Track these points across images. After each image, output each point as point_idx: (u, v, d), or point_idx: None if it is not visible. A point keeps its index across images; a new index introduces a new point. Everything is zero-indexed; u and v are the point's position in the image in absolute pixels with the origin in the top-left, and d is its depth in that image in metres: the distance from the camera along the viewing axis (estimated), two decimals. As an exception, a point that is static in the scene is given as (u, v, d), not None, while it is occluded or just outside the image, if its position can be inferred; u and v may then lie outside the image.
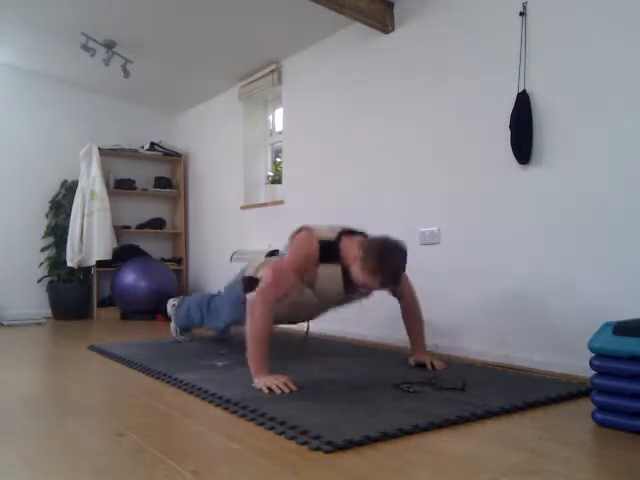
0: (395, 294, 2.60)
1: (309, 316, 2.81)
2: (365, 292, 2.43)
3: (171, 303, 3.42)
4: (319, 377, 2.34)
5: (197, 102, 5.50)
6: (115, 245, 5.01)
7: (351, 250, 2.27)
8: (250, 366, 2.17)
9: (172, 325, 3.41)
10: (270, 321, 2.20)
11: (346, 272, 2.32)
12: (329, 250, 2.31)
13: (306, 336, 3.10)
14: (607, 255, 2.32)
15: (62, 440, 1.59)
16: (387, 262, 2.16)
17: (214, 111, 5.29)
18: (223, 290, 3.09)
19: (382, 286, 2.21)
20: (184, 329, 3.36)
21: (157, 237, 5.74)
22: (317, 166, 3.98)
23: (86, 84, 5.23)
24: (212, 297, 3.12)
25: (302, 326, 3.05)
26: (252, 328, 2.17)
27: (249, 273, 2.78)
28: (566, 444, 1.53)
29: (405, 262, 2.24)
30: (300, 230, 2.43)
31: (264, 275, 2.37)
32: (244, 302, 2.52)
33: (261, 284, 2.28)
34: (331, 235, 2.35)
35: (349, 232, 2.40)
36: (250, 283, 2.65)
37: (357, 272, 2.22)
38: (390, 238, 2.25)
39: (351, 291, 2.39)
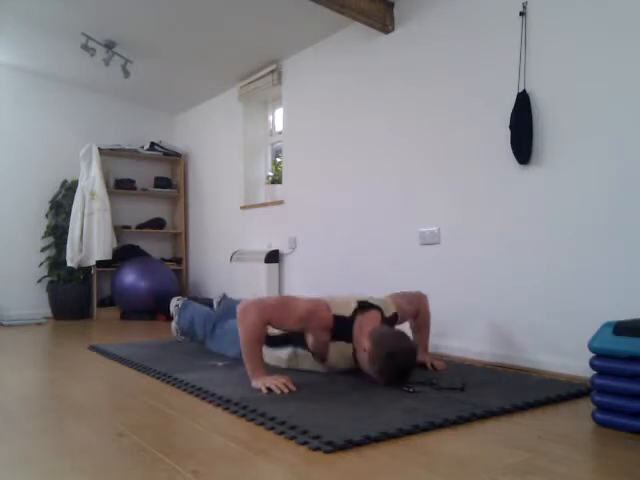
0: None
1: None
2: None
3: (174, 303, 3.41)
4: (319, 377, 2.34)
5: (197, 102, 5.50)
6: (115, 245, 5.01)
7: (362, 336, 2.22)
8: (247, 369, 2.17)
9: (173, 325, 3.40)
10: (263, 328, 2.18)
11: (357, 352, 2.29)
12: (343, 327, 2.28)
13: None
14: (607, 255, 2.32)
15: (62, 440, 1.59)
16: (393, 368, 2.12)
17: (214, 111, 5.29)
18: (221, 312, 3.03)
19: (385, 385, 2.17)
20: (184, 333, 3.35)
21: (157, 237, 5.74)
22: (317, 166, 3.98)
23: (86, 84, 5.23)
24: (217, 321, 3.02)
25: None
26: (244, 333, 2.16)
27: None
28: (566, 444, 1.53)
29: (412, 366, 2.17)
30: (319, 301, 2.35)
31: (269, 296, 2.35)
32: None
33: (262, 300, 2.24)
34: (346, 311, 2.30)
35: (364, 307, 2.34)
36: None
37: (365, 364, 2.21)
38: (398, 339, 2.16)
39: (360, 368, 2.34)
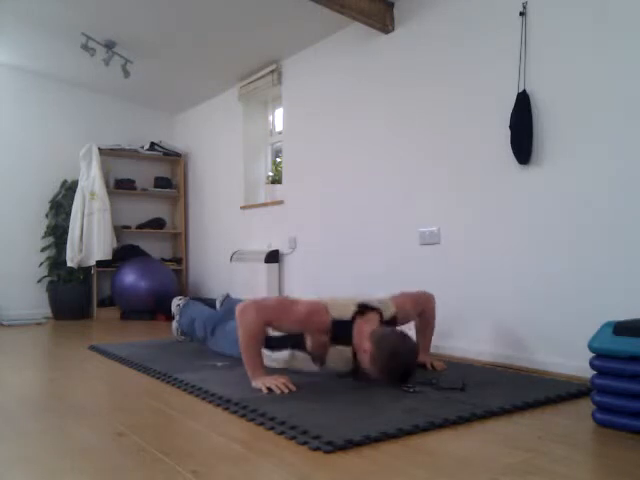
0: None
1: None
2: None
3: (176, 302, 3.42)
4: (319, 377, 2.34)
5: (197, 102, 5.50)
6: (115, 245, 5.01)
7: (362, 338, 2.21)
8: (247, 369, 2.17)
9: (174, 324, 3.40)
10: (262, 328, 2.18)
11: (356, 354, 2.28)
12: (342, 331, 2.26)
13: None
14: (607, 255, 2.32)
15: (62, 440, 1.59)
16: (396, 366, 2.11)
17: (214, 111, 5.29)
18: (223, 313, 3.03)
19: (387, 384, 2.17)
20: (185, 333, 3.35)
21: (157, 237, 5.74)
22: (317, 166, 3.98)
23: (86, 84, 5.23)
24: (218, 321, 3.02)
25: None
26: (244, 333, 2.16)
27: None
28: (566, 444, 1.53)
29: (414, 364, 2.17)
30: (318, 303, 2.34)
31: (269, 297, 2.34)
32: None
33: (261, 300, 2.24)
34: (345, 314, 2.29)
35: (363, 309, 2.32)
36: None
37: (366, 364, 2.19)
38: (399, 338, 2.16)
39: (360, 369, 2.33)
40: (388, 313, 2.38)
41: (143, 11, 3.76)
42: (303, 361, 2.41)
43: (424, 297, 2.59)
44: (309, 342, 2.31)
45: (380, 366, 2.12)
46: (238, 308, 2.20)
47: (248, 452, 1.47)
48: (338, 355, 2.32)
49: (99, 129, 5.41)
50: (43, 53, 4.62)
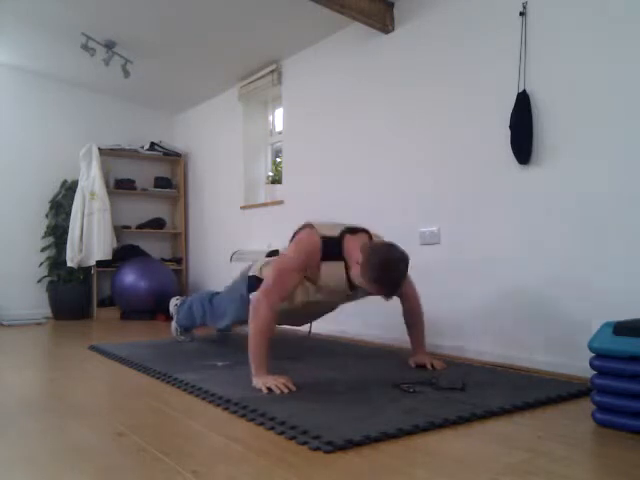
0: (397, 294, 2.59)
1: (314, 316, 2.80)
2: (368, 292, 2.41)
3: (173, 302, 3.43)
4: (319, 377, 2.34)
5: (197, 102, 5.50)
6: (115, 245, 5.01)
7: (353, 251, 2.24)
8: (251, 364, 2.17)
9: (173, 324, 3.41)
10: (274, 322, 2.20)
11: (349, 269, 2.30)
12: (332, 247, 2.29)
13: (309, 334, 3.10)
14: (607, 255, 2.32)
15: (62, 440, 1.59)
16: (388, 273, 2.11)
17: (214, 111, 5.29)
18: (225, 289, 3.09)
19: (381, 294, 2.18)
20: (185, 329, 3.37)
21: (157, 237, 5.74)
22: (317, 166, 3.98)
23: (86, 84, 5.23)
24: (215, 294, 3.12)
25: (304, 325, 3.04)
26: (255, 328, 2.16)
27: (253, 272, 2.77)
28: (566, 444, 1.53)
29: (406, 272, 2.19)
30: (303, 227, 2.42)
31: (267, 274, 2.36)
32: (248, 301, 2.51)
33: (264, 284, 2.27)
34: (334, 232, 2.33)
35: (352, 230, 2.37)
36: (254, 282, 2.64)
37: (357, 277, 2.20)
38: (392, 247, 2.19)
39: (355, 288, 2.37)
40: (377, 238, 2.40)
41: (143, 11, 3.76)
42: (300, 290, 2.41)
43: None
44: (307, 271, 2.34)
45: (373, 276, 2.12)
46: (252, 302, 2.22)
47: (248, 452, 1.47)
48: (331, 273, 2.32)
49: (99, 129, 5.41)
50: (43, 53, 4.62)
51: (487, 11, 2.83)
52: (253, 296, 2.26)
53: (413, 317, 2.59)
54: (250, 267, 2.86)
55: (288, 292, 2.27)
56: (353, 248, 2.26)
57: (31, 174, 5.07)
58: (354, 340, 3.50)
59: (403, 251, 2.20)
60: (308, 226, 2.39)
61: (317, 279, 2.35)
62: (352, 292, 2.40)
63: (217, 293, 3.14)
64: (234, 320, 2.88)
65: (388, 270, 2.11)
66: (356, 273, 2.21)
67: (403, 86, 3.30)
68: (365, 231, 2.40)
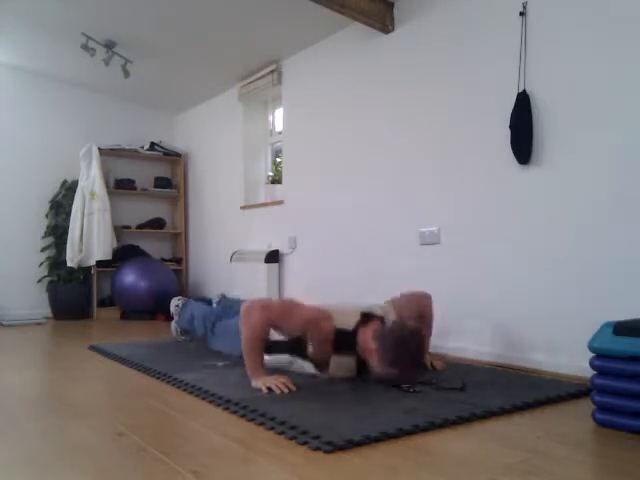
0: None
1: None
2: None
3: (174, 303, 3.42)
4: (319, 377, 2.33)
5: (197, 102, 5.50)
6: (115, 245, 5.01)
7: (366, 343, 2.21)
8: (247, 369, 2.17)
9: (173, 325, 3.41)
10: (266, 328, 2.19)
11: (359, 361, 2.29)
12: (345, 340, 2.26)
13: None
14: (607, 255, 2.32)
15: (62, 440, 1.59)
16: (404, 355, 2.10)
17: (214, 111, 5.29)
18: (220, 310, 3.04)
19: (403, 375, 2.15)
20: (185, 331, 3.36)
21: (157, 237, 5.74)
22: (317, 166, 3.98)
23: (86, 84, 5.23)
24: (218, 318, 3.04)
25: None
26: (247, 331, 2.16)
27: None
28: (566, 444, 1.53)
29: (423, 349, 2.17)
30: (322, 314, 2.33)
31: (273, 299, 2.34)
32: None
33: (266, 301, 2.25)
34: (348, 324, 2.28)
35: (366, 318, 2.32)
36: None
37: (376, 365, 2.18)
38: (403, 327, 2.17)
39: (364, 373, 2.33)
40: (389, 319, 2.37)
41: (143, 11, 3.76)
42: (304, 367, 2.40)
43: (423, 299, 2.59)
44: (311, 349, 2.30)
45: (391, 358, 2.10)
46: (244, 307, 2.21)
47: (248, 452, 1.47)
48: (341, 365, 2.31)
49: (99, 129, 5.41)
50: (43, 53, 4.62)
51: (487, 11, 2.83)
52: (245, 304, 2.24)
53: (424, 325, 2.59)
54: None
55: (279, 323, 2.23)
56: (367, 339, 2.22)
57: (31, 174, 5.07)
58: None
59: (414, 326, 2.18)
60: (327, 314, 2.30)
61: (326, 369, 2.33)
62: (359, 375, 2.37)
63: (219, 317, 3.05)
64: (237, 352, 2.81)
65: (403, 351, 2.09)
66: (374, 363, 2.18)
67: (403, 86, 3.30)
68: (378, 318, 2.34)
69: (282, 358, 2.46)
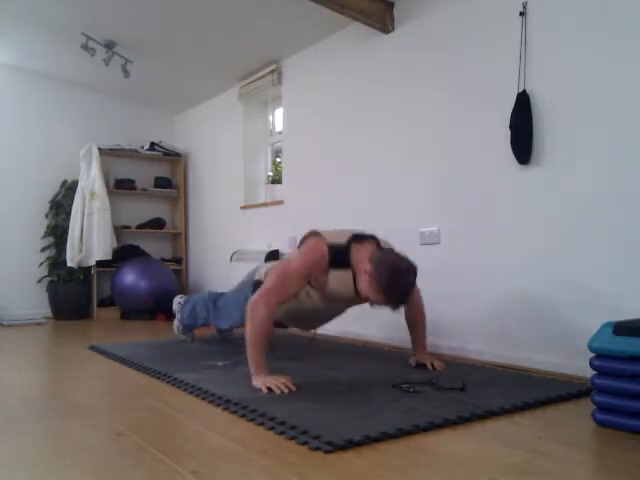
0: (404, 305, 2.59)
1: (322, 320, 2.78)
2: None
3: (177, 300, 3.43)
4: (319, 377, 2.34)
5: (197, 102, 5.50)
6: (115, 245, 5.01)
7: (361, 259, 2.23)
8: (250, 365, 2.17)
9: (175, 323, 3.41)
10: (271, 323, 2.20)
11: (357, 278, 2.29)
12: (339, 255, 2.28)
13: (314, 337, 3.10)
14: (607, 255, 2.32)
15: (62, 440, 1.59)
16: (396, 285, 2.10)
17: (214, 111, 5.29)
18: (230, 291, 3.08)
19: (389, 305, 2.16)
20: (187, 328, 3.36)
21: (157, 237, 5.74)
22: (317, 166, 3.98)
23: (86, 84, 5.23)
24: (219, 295, 3.12)
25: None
26: (252, 329, 2.16)
27: (259, 277, 2.74)
28: (566, 444, 1.53)
29: (414, 282, 2.17)
30: (309, 235, 2.40)
31: (269, 277, 2.35)
32: None
33: (264, 285, 2.26)
34: (341, 240, 2.31)
35: (359, 237, 2.35)
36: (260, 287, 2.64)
37: (364, 287, 2.19)
38: (400, 257, 2.18)
39: (361, 296, 2.35)
40: (386, 245, 2.39)
41: (143, 11, 3.76)
42: (306, 294, 2.41)
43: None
44: (312, 279, 2.33)
45: (381, 287, 2.11)
46: (249, 303, 2.20)
47: (248, 452, 1.47)
48: (338, 280, 2.31)
49: (99, 129, 5.41)
50: (43, 53, 4.62)
51: (487, 11, 2.83)
52: (251, 297, 2.25)
53: (416, 318, 2.61)
54: (256, 270, 2.85)
55: (287, 296, 2.26)
56: (360, 257, 2.24)
57: (31, 174, 5.07)
58: (355, 340, 3.50)
59: (411, 261, 2.18)
60: (315, 234, 2.36)
61: (324, 287, 2.35)
62: (360, 299, 2.38)
63: (221, 294, 3.13)
64: (238, 322, 2.87)
65: (396, 281, 2.10)
66: (364, 284, 2.19)
67: (403, 86, 3.30)
68: (373, 238, 2.38)
69: None
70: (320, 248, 2.28)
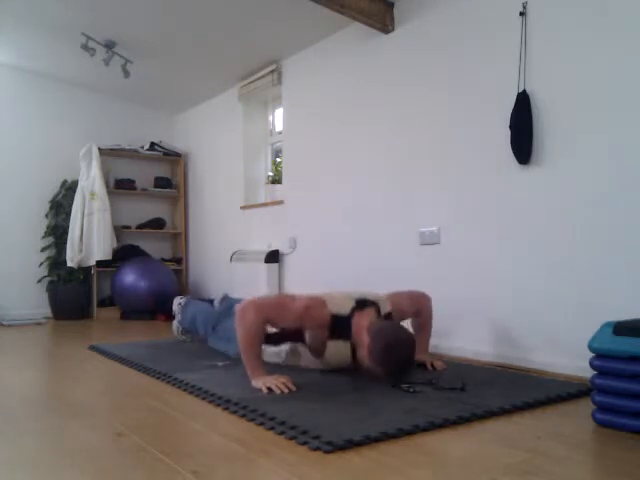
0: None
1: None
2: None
3: (177, 301, 3.43)
4: (319, 377, 2.34)
5: (197, 102, 5.50)
6: (115, 245, 5.01)
7: (361, 331, 2.23)
8: (246, 369, 2.17)
9: (175, 323, 3.41)
10: (262, 325, 2.19)
11: (356, 349, 2.30)
12: (341, 326, 2.28)
13: None
14: (607, 255, 2.32)
15: (62, 440, 1.59)
16: (392, 359, 2.12)
17: (214, 111, 5.29)
18: (223, 310, 3.05)
19: (387, 378, 2.17)
20: (186, 330, 3.36)
21: (157, 237, 5.74)
22: (317, 166, 3.98)
23: (86, 84, 5.23)
24: (217, 318, 3.05)
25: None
26: (244, 332, 2.16)
27: None
28: (566, 444, 1.53)
29: (411, 357, 2.16)
30: (316, 300, 2.34)
31: (268, 295, 2.35)
32: None
33: (260, 299, 2.25)
34: (344, 310, 2.30)
35: (362, 304, 2.33)
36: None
37: (364, 357, 2.21)
38: (396, 330, 2.17)
39: (359, 363, 2.35)
40: (384, 309, 2.39)
41: (143, 11, 3.76)
42: (302, 355, 2.42)
43: (420, 296, 2.61)
44: (308, 336, 2.34)
45: (378, 360, 2.13)
46: (238, 307, 2.21)
47: (248, 452, 1.47)
48: (336, 350, 2.33)
49: (99, 129, 5.41)
50: (43, 53, 4.62)
51: (487, 11, 2.83)
52: (240, 304, 2.24)
53: (424, 326, 2.62)
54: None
55: (274, 320, 2.25)
56: (360, 328, 2.24)
57: (31, 174, 5.07)
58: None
59: (407, 333, 2.18)
60: (321, 301, 2.32)
61: (322, 354, 2.36)
62: (359, 366, 2.36)
63: (219, 317, 3.06)
64: (237, 352, 2.80)
65: (390, 356, 2.11)
66: (363, 355, 2.22)
67: (403, 86, 3.30)
68: (374, 304, 2.36)
69: (282, 349, 2.48)
70: (323, 315, 2.27)
